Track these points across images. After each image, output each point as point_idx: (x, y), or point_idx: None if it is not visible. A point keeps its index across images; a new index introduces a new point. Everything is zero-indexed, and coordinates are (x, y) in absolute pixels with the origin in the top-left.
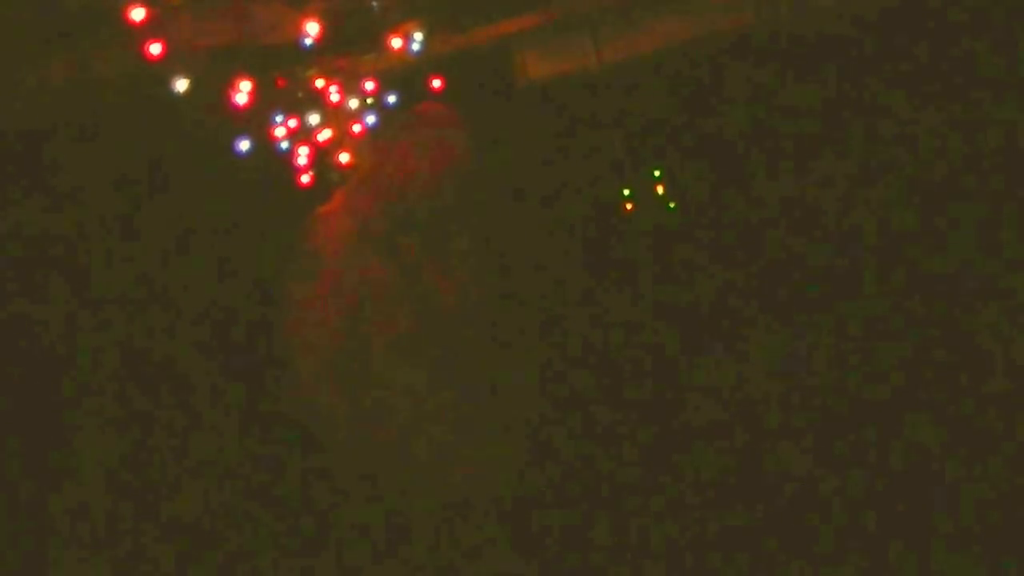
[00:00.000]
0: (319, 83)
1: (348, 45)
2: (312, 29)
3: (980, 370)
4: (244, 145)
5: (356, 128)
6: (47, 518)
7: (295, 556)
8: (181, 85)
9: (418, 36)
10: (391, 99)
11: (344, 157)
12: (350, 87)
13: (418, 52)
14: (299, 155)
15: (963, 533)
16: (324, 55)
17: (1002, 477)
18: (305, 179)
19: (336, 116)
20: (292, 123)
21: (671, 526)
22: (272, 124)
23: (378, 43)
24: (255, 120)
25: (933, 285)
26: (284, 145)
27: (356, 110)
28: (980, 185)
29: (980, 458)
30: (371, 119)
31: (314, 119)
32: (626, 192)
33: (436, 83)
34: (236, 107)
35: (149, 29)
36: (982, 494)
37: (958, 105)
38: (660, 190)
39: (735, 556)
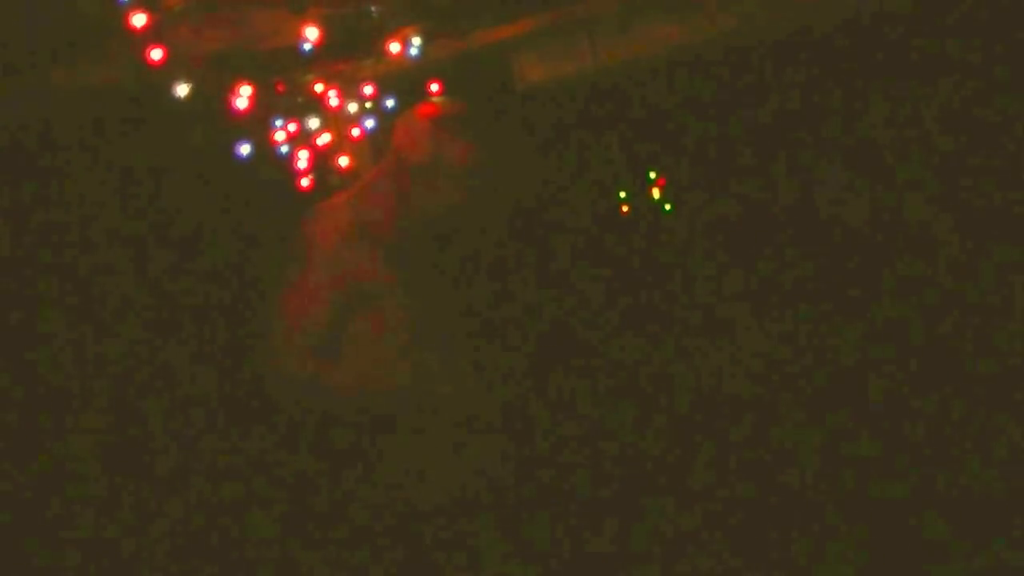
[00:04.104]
0: (318, 88)
1: (347, 50)
2: (311, 34)
3: (977, 371)
4: (245, 149)
5: (355, 132)
6: (40, 518)
7: (294, 553)
8: (182, 90)
9: (416, 41)
10: (389, 103)
11: (343, 161)
12: (349, 91)
13: (417, 57)
14: (299, 159)
15: (956, 534)
16: (323, 60)
17: (996, 479)
18: (305, 182)
19: (335, 120)
20: (292, 127)
21: (659, 523)
22: (272, 128)
23: (377, 48)
24: (255, 124)
25: (929, 287)
26: (284, 149)
27: (355, 114)
28: (980, 188)
29: (973, 459)
30: (370, 123)
31: (314, 123)
32: (622, 195)
33: (434, 87)
34: (236, 112)
35: (150, 35)
36: (975, 495)
37: (961, 109)
38: (656, 193)
39: (732, 554)
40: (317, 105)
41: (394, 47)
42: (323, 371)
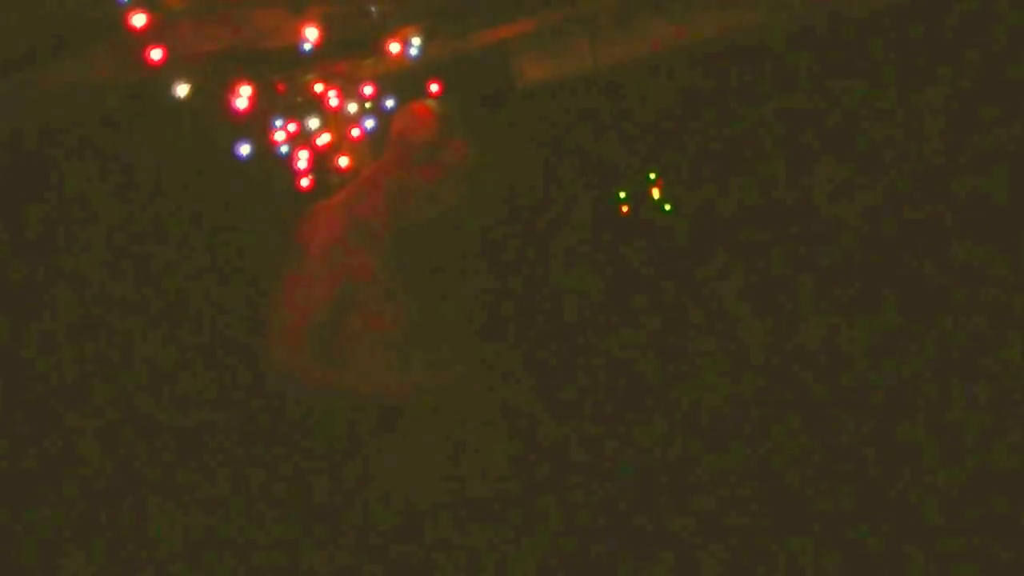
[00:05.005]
0: (318, 88)
1: (347, 50)
2: (311, 34)
3: (975, 370)
4: (244, 149)
5: (355, 132)
6: (43, 519)
7: (293, 551)
8: (182, 90)
9: (416, 41)
10: (389, 103)
11: (343, 161)
12: (349, 91)
13: (416, 56)
14: (299, 159)
15: (952, 533)
16: (323, 60)
17: (996, 479)
18: (305, 183)
19: (335, 120)
20: (292, 127)
21: (659, 522)
22: (272, 128)
23: (377, 48)
24: (255, 124)
25: (927, 285)
26: (284, 149)
27: (355, 114)
28: (978, 188)
29: (971, 458)
30: (370, 123)
31: (313, 123)
32: (622, 195)
33: (434, 87)
34: (236, 112)
35: (150, 35)
36: (973, 495)
37: (959, 109)
38: (656, 193)
39: (732, 554)
40: (317, 105)
41: (394, 47)
42: (322, 370)
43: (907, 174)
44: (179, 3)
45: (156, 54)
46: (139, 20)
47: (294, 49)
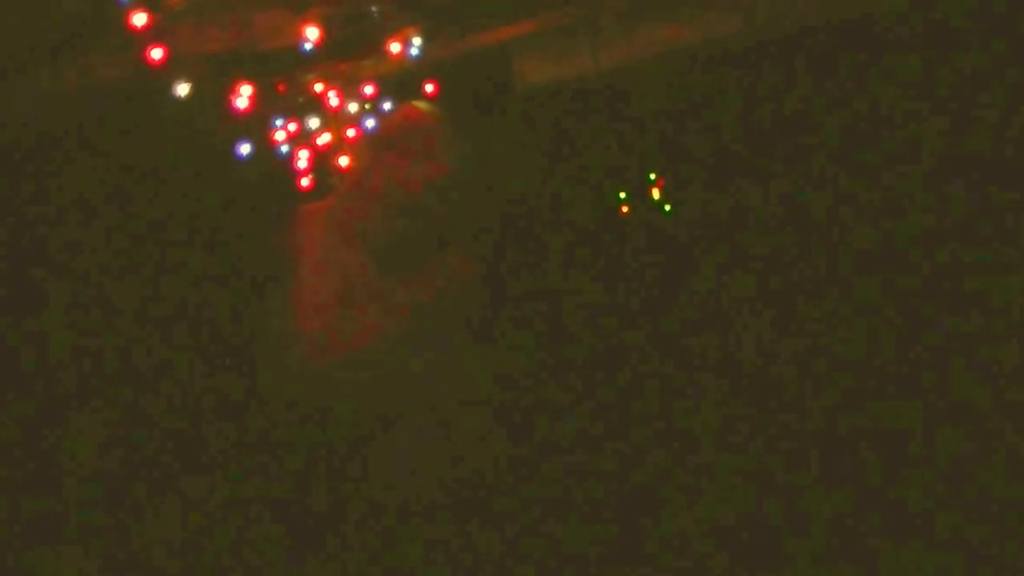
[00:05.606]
0: (319, 88)
1: (348, 50)
2: (312, 34)
3: (971, 371)
4: (245, 149)
5: (353, 132)
6: (43, 518)
7: (291, 550)
8: (182, 90)
9: (417, 41)
10: (386, 105)
11: (343, 160)
12: (349, 92)
13: (417, 57)
14: (299, 159)
15: (949, 534)
16: (324, 60)
17: (997, 480)
18: (305, 182)
19: (335, 120)
20: (292, 127)
21: (656, 522)
22: (272, 128)
23: (377, 48)
24: (256, 124)
25: (924, 287)
26: (284, 149)
27: (355, 114)
28: (973, 189)
29: (969, 459)
30: (370, 123)
31: (314, 123)
32: (622, 195)
33: (429, 87)
34: (237, 111)
35: (151, 34)
36: (970, 495)
37: (957, 110)
38: (656, 193)
39: (730, 554)
40: (317, 105)
41: (394, 47)
42: (318, 371)
43: (907, 175)
44: (179, 3)
45: (156, 54)
46: (139, 20)
47: (295, 49)
